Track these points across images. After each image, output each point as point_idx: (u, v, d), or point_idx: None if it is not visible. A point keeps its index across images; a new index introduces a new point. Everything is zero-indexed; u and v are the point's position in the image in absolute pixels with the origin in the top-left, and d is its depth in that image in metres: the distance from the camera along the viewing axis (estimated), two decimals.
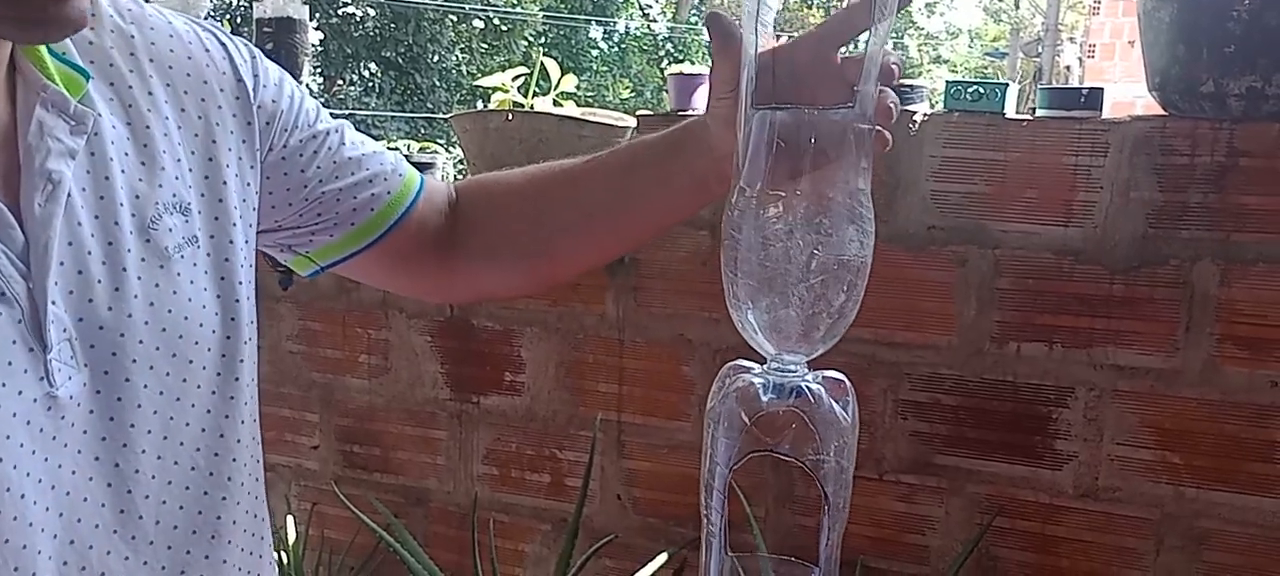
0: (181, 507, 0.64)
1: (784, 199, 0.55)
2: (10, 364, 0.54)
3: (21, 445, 0.55)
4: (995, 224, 1.49)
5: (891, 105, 0.61)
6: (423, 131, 13.09)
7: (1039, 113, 1.51)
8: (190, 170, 0.66)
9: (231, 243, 0.68)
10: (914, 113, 1.52)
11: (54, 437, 0.57)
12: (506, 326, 1.83)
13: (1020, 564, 1.55)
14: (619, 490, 1.79)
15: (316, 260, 0.82)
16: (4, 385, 0.54)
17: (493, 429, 1.87)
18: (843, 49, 0.67)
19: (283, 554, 1.97)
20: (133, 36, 0.66)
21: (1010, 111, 1.52)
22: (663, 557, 1.65)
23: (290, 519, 2.02)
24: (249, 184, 0.71)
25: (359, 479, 1.99)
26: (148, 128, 0.64)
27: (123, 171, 0.62)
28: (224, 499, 0.67)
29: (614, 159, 0.82)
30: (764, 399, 0.55)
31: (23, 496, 0.55)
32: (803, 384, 0.55)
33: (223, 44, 0.72)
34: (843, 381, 0.56)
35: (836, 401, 0.56)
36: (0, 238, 0.55)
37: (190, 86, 0.68)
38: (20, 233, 0.56)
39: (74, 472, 0.58)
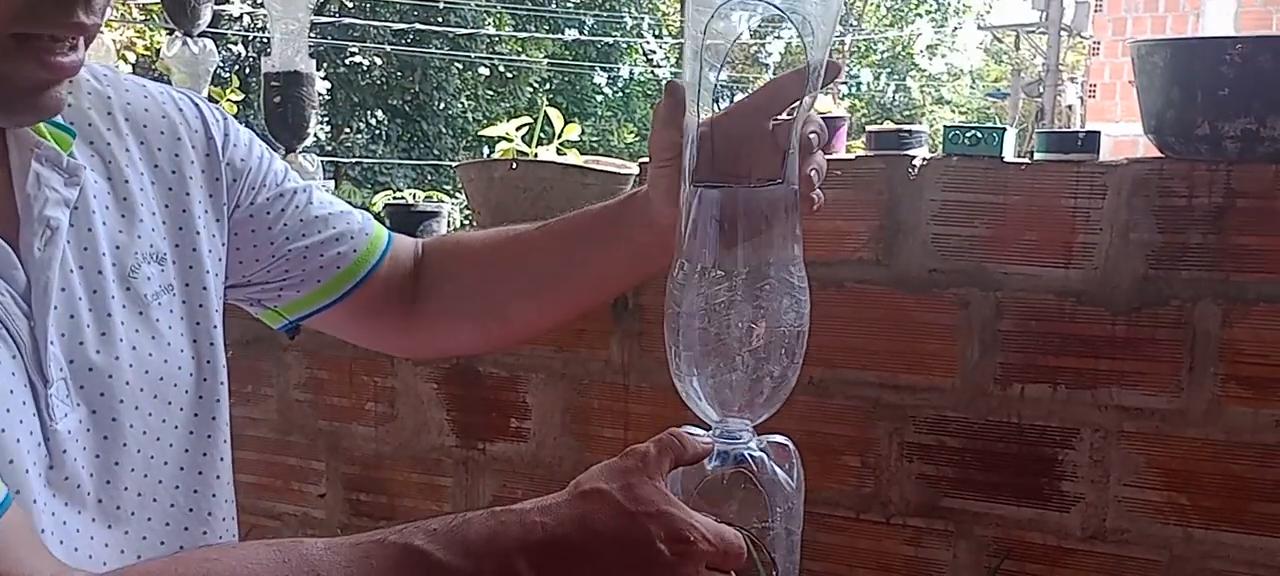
0: (163, 543, 0.67)
1: (722, 272, 0.57)
2: (13, 396, 0.57)
3: (26, 472, 0.57)
4: (996, 266, 1.51)
5: (814, 173, 0.64)
6: (429, 178, 13.20)
7: (1037, 156, 1.53)
8: (164, 222, 0.70)
9: (205, 289, 0.72)
10: (913, 157, 1.54)
11: (51, 468, 0.59)
12: (512, 372, 1.84)
13: None
14: None
15: (285, 314, 0.85)
16: (16, 419, 0.56)
17: (499, 475, 1.87)
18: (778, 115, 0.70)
19: None
20: (109, 97, 0.70)
21: (1009, 155, 1.53)
22: None
23: None
24: (216, 236, 0.74)
25: (366, 527, 1.99)
26: (126, 182, 0.68)
27: (103, 223, 0.66)
28: (205, 533, 0.70)
29: (563, 227, 0.85)
30: (709, 466, 0.57)
31: (43, 530, 0.57)
32: (746, 451, 0.57)
33: (196, 104, 0.76)
34: (787, 446, 0.58)
35: (781, 466, 0.58)
36: (4, 276, 0.58)
37: (163, 143, 0.71)
38: (23, 274, 0.59)
39: (76, 510, 0.61)
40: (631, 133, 16.71)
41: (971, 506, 1.56)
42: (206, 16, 2.01)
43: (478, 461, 1.88)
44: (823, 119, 0.73)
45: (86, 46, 0.56)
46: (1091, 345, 1.46)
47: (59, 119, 0.64)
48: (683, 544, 0.57)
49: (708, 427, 0.59)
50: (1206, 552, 1.44)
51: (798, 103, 0.64)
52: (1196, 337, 1.41)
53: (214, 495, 0.71)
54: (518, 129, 1.84)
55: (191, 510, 0.69)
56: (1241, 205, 1.38)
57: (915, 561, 1.59)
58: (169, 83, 1.36)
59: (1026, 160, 1.53)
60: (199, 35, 2.03)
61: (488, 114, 14.34)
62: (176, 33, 2.02)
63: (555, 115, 1.86)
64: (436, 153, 14.09)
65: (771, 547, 0.57)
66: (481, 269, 0.87)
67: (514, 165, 1.76)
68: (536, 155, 1.82)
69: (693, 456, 0.63)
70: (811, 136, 0.63)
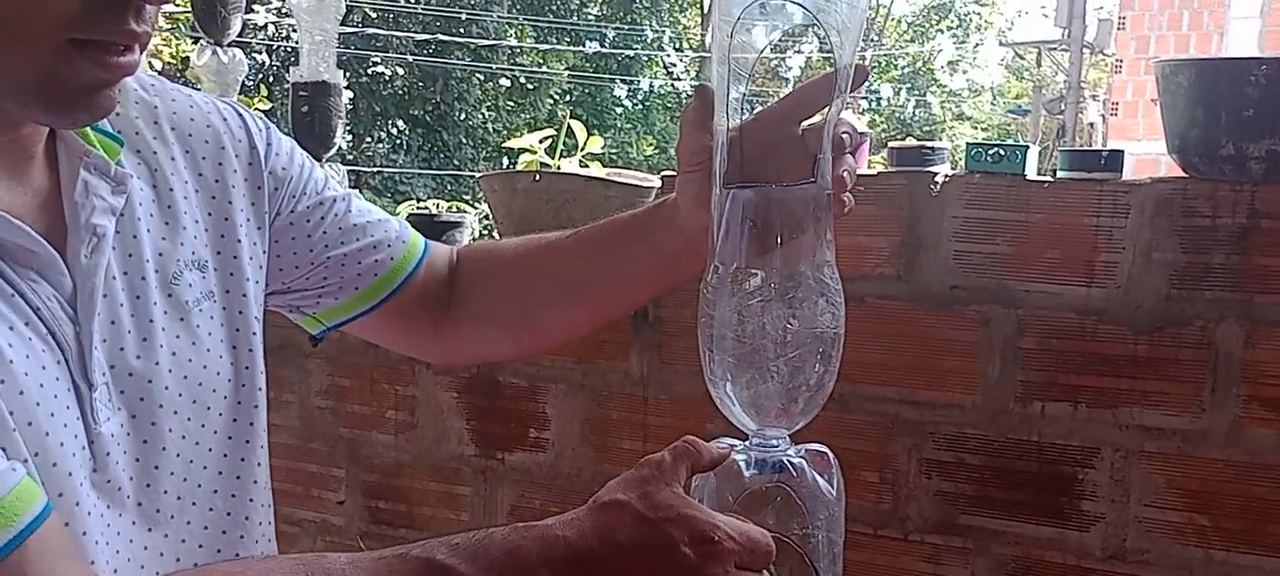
0: (201, 546, 0.68)
1: (756, 274, 0.57)
2: (57, 401, 0.58)
3: (70, 475, 0.58)
4: (1018, 284, 1.50)
5: (846, 174, 0.64)
6: (449, 188, 13.26)
7: (1060, 175, 1.53)
8: (206, 230, 0.71)
9: (245, 296, 0.73)
10: (936, 174, 1.54)
11: (95, 471, 0.61)
12: (532, 383, 1.85)
13: None
14: None
15: (323, 321, 0.86)
16: (61, 422, 0.58)
17: (517, 486, 1.88)
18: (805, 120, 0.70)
19: None
20: (155, 105, 0.71)
21: (1031, 173, 1.53)
22: None
23: None
24: (257, 244, 0.76)
25: (384, 534, 2.00)
26: (170, 190, 0.69)
27: (148, 231, 0.67)
28: (242, 537, 0.71)
29: (593, 234, 0.85)
30: (747, 475, 0.57)
31: (85, 533, 0.58)
32: (785, 458, 0.57)
33: (239, 114, 0.77)
34: (826, 454, 0.58)
35: (821, 475, 0.57)
36: (52, 282, 0.60)
37: (207, 152, 0.73)
38: (70, 280, 0.60)
39: (118, 512, 0.62)
40: (651, 145, 16.73)
41: (990, 524, 1.55)
42: (237, 26, 2.03)
43: (497, 471, 1.89)
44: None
45: (142, 52, 0.58)
46: (1113, 364, 1.46)
47: (108, 126, 0.65)
48: (707, 545, 0.57)
49: (744, 437, 0.59)
50: (1227, 574, 1.43)
51: (826, 107, 0.64)
52: (1219, 358, 1.41)
53: (252, 499, 0.72)
54: (541, 141, 1.86)
55: (230, 514, 0.70)
56: (1265, 226, 1.37)
57: None
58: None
59: (1049, 178, 1.53)
60: (228, 45, 2.05)
61: (508, 125, 14.40)
62: (206, 42, 2.04)
63: (578, 128, 1.88)
64: (456, 163, 14.16)
65: (814, 557, 0.57)
66: (513, 276, 0.88)
67: (537, 177, 1.77)
68: (559, 167, 1.83)
69: (709, 462, 0.63)
70: (844, 137, 0.63)
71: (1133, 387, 1.45)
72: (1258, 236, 1.37)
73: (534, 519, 2.02)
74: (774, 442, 0.57)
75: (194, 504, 0.68)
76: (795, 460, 0.57)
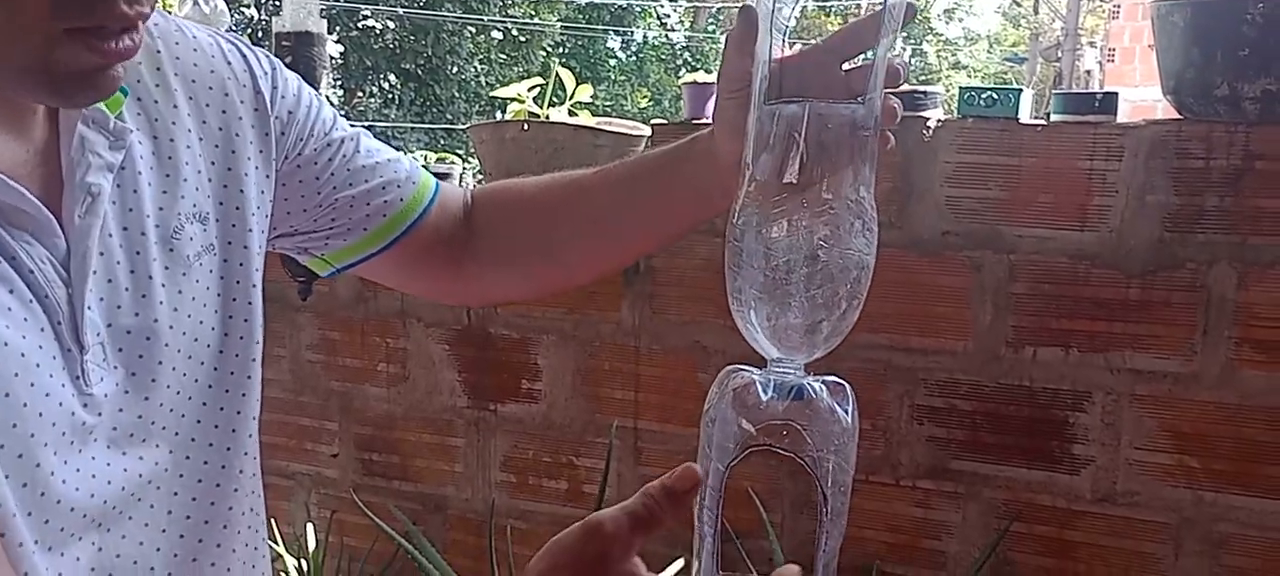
0: (194, 498, 0.68)
1: (791, 194, 0.55)
2: (51, 364, 0.57)
3: (63, 434, 0.58)
4: (1010, 228, 1.49)
5: (896, 107, 0.62)
6: (442, 142, 13.17)
7: (1054, 118, 1.52)
8: (209, 180, 0.69)
9: (246, 248, 0.71)
10: (928, 119, 1.53)
11: (89, 434, 0.60)
12: (523, 334, 1.84)
13: (1038, 569, 1.54)
14: None
15: (332, 262, 0.84)
16: (43, 392, 0.57)
17: (510, 436, 1.88)
18: (849, 62, 0.68)
19: (303, 561, 1.98)
20: (158, 51, 0.69)
21: (1025, 116, 1.52)
22: (679, 563, 1.65)
23: (310, 526, 2.04)
24: (264, 192, 0.74)
25: (378, 487, 2.01)
26: (172, 141, 0.67)
27: (149, 184, 0.65)
28: (236, 490, 0.70)
29: (621, 169, 0.83)
30: (763, 398, 0.55)
31: (63, 482, 0.58)
32: (804, 383, 0.55)
33: (243, 55, 0.74)
34: (843, 385, 0.56)
35: (837, 403, 0.56)
36: (46, 244, 0.58)
37: (211, 98, 0.71)
38: (64, 241, 0.59)
39: (108, 465, 0.61)
40: (645, 97, 16.61)
41: (981, 469, 1.56)
42: None
43: (489, 422, 1.89)
44: None
45: (140, 31, 0.56)
46: (1105, 308, 1.46)
47: None
48: None
49: (763, 364, 0.57)
50: (1216, 515, 1.44)
51: (878, 41, 0.61)
52: (1211, 301, 1.40)
53: (246, 452, 0.71)
54: (529, 90, 1.83)
55: (224, 467, 0.69)
56: (1260, 167, 1.36)
57: (924, 523, 1.60)
58: None
59: (1043, 122, 1.51)
60: None
61: (501, 78, 14.26)
62: None
63: (567, 76, 1.85)
64: (449, 117, 14.04)
65: (824, 481, 0.55)
66: (535, 214, 0.85)
67: (525, 126, 1.75)
68: (548, 116, 1.81)
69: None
70: (899, 68, 0.61)
71: (1125, 331, 1.45)
72: (1252, 177, 1.36)
73: (527, 469, 2.03)
74: (791, 372, 0.56)
75: (187, 458, 0.67)
76: (814, 385, 0.55)
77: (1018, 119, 1.50)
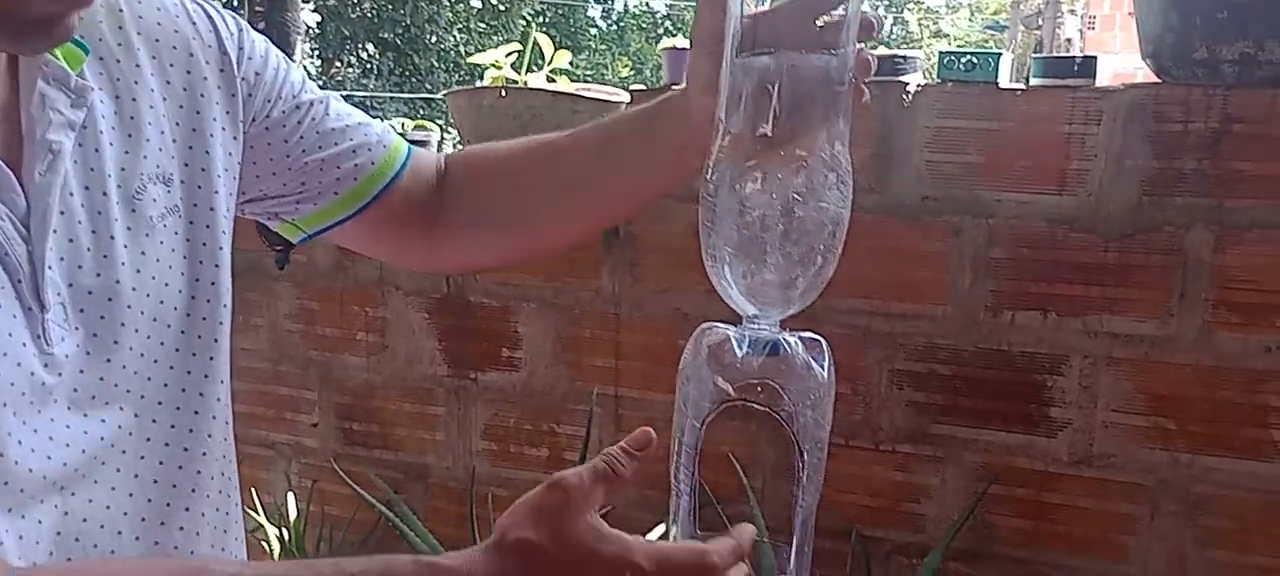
0: (161, 463, 0.67)
1: (766, 148, 0.55)
2: (11, 322, 0.56)
3: (23, 394, 0.57)
4: (989, 193, 1.50)
5: (870, 59, 0.62)
6: (422, 113, 13.07)
7: (1033, 82, 1.51)
8: (174, 141, 0.68)
9: (212, 210, 0.70)
10: (908, 84, 1.52)
11: (50, 395, 0.59)
12: (503, 302, 1.83)
13: (1016, 531, 1.56)
14: None
15: (303, 227, 0.83)
16: (4, 351, 0.56)
17: (491, 404, 1.88)
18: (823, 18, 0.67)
19: (283, 530, 1.98)
20: (121, 10, 0.67)
21: (1004, 81, 1.51)
22: (660, 529, 1.66)
23: (291, 496, 2.04)
24: (231, 154, 0.73)
25: (358, 455, 2.00)
26: (134, 100, 0.66)
27: (111, 144, 0.64)
28: (205, 454, 0.70)
29: (594, 132, 0.82)
30: (739, 355, 0.55)
31: (20, 443, 0.57)
32: (779, 338, 0.55)
33: (208, 15, 0.73)
34: (819, 341, 0.56)
35: (813, 359, 0.55)
36: (5, 201, 0.57)
37: (176, 58, 0.69)
38: (23, 199, 0.58)
39: (68, 427, 0.60)
40: (626, 66, 16.52)
41: (960, 433, 1.56)
42: None
43: (469, 390, 1.89)
44: None
45: None
46: (1083, 272, 1.46)
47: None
48: None
49: (738, 321, 0.57)
50: (1193, 476, 1.45)
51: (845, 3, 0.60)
52: (1188, 264, 1.41)
53: (214, 416, 0.70)
54: (507, 56, 1.81)
55: (192, 431, 0.68)
56: (1238, 130, 1.36)
57: (904, 486, 1.61)
58: None
59: (1022, 86, 1.51)
60: None
61: (481, 47, 14.13)
62: None
63: (545, 42, 1.83)
64: (429, 87, 13.92)
65: (801, 436, 0.55)
66: (508, 178, 0.84)
67: (503, 92, 1.73)
68: (526, 83, 1.79)
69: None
70: (873, 21, 0.61)
71: (1102, 295, 1.46)
72: (1229, 140, 1.37)
73: (508, 437, 2.02)
74: (767, 329, 0.55)
75: (154, 421, 0.66)
76: (789, 341, 0.55)
77: (997, 84, 1.50)
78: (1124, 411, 1.47)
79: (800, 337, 0.56)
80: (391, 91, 13.77)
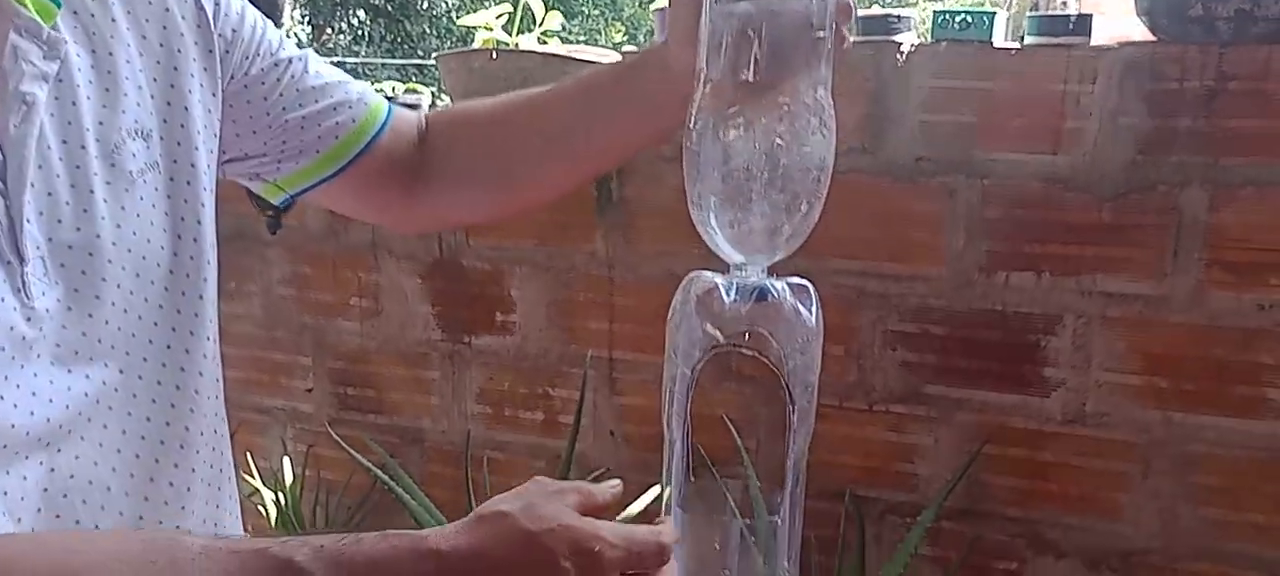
0: (149, 419, 0.67)
1: (747, 95, 0.54)
2: None
3: (3, 349, 0.57)
4: (983, 153, 1.49)
5: (850, 3, 0.62)
6: (414, 79, 12.98)
7: (1028, 41, 1.50)
8: (151, 97, 0.68)
9: (193, 167, 0.70)
10: (902, 43, 1.51)
11: (31, 349, 0.59)
12: (496, 266, 1.83)
13: (1009, 490, 1.56)
14: (611, 426, 1.80)
15: (285, 188, 0.83)
16: None
17: (485, 368, 1.88)
18: None
19: (279, 495, 1.99)
20: None
21: (999, 40, 1.50)
22: (655, 491, 1.67)
23: (286, 460, 2.04)
24: (211, 111, 0.72)
25: (353, 420, 2.01)
26: (110, 55, 0.66)
27: (88, 98, 0.64)
28: (193, 411, 0.70)
29: (576, 85, 0.82)
30: (727, 300, 0.55)
31: (2, 398, 0.57)
32: (766, 284, 0.55)
33: None
34: (806, 286, 0.56)
35: (800, 303, 0.55)
36: None
37: (151, 14, 0.69)
38: (0, 152, 0.57)
39: (52, 382, 0.60)
40: (620, 31, 16.40)
41: (953, 393, 1.57)
42: None
43: (464, 355, 1.89)
44: None
45: None
46: (1077, 232, 1.46)
47: None
48: (586, 556, 0.56)
49: (726, 270, 0.57)
50: (1185, 435, 1.46)
51: None
52: (1183, 223, 1.41)
53: (202, 373, 0.70)
54: (497, 17, 1.79)
55: (179, 387, 0.68)
56: (1233, 88, 1.36)
57: (897, 447, 1.61)
58: None
59: (1017, 45, 1.50)
60: None
61: (472, 11, 14.01)
62: None
63: (536, 3, 1.81)
64: (421, 53, 13.81)
65: (789, 381, 0.55)
66: (490, 133, 0.84)
67: (493, 55, 1.72)
68: (517, 45, 1.78)
69: (601, 504, 0.62)
70: None
71: (1097, 254, 1.46)
72: (1225, 98, 1.36)
73: (503, 401, 2.02)
74: (754, 277, 0.55)
75: (140, 377, 0.66)
76: (776, 286, 0.55)
77: (992, 42, 1.49)
78: (1117, 371, 1.48)
79: (788, 283, 0.55)
80: (383, 58, 13.68)
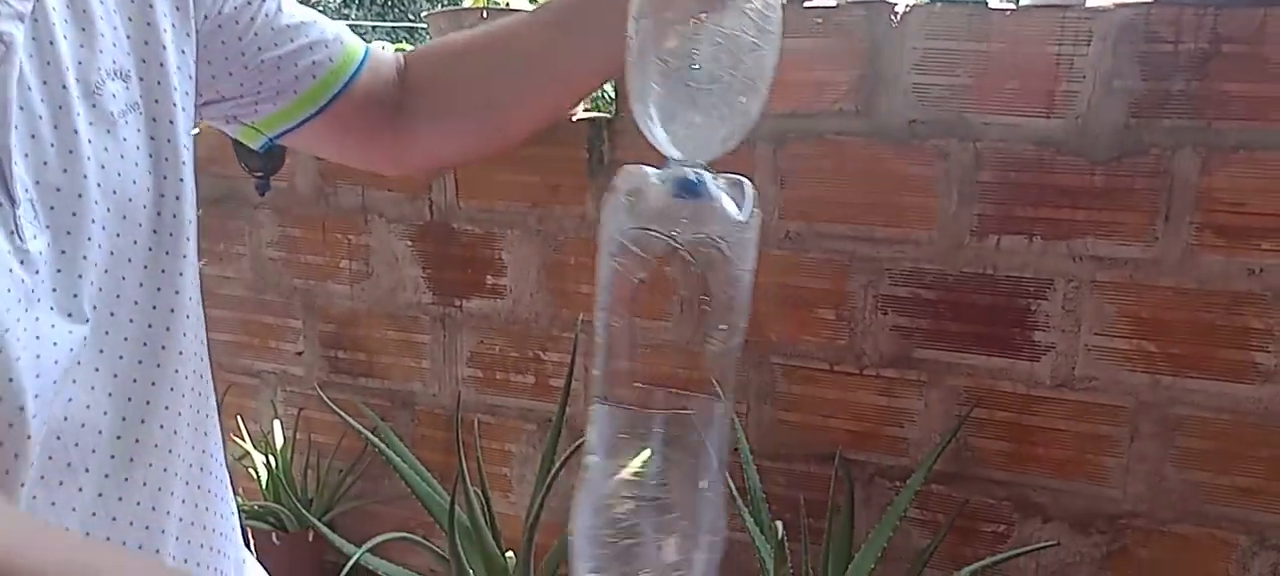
0: (140, 362, 0.66)
1: None
2: None
3: (10, 291, 0.56)
4: (977, 116, 1.48)
5: None
6: (405, 41, 12.87)
7: (1023, 2, 1.49)
8: (127, 37, 0.67)
9: (174, 106, 0.69)
10: (896, 4, 1.50)
11: (31, 291, 0.58)
12: (487, 229, 1.82)
13: (998, 453, 1.57)
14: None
15: (263, 130, 0.82)
16: None
17: (476, 332, 1.88)
18: None
19: (271, 458, 1.99)
20: None
21: (994, 1, 1.49)
22: (645, 453, 1.67)
23: (277, 423, 2.04)
24: (185, 52, 0.71)
25: (344, 383, 2.00)
26: None
27: (65, 38, 0.63)
28: (180, 353, 0.69)
29: (551, 8, 0.81)
30: (657, 189, 0.54)
31: (18, 340, 0.56)
32: (697, 176, 0.54)
33: None
34: (741, 182, 0.55)
35: (731, 195, 0.55)
36: None
37: None
38: None
39: (54, 327, 0.60)
40: None
41: (944, 357, 1.57)
42: None
43: (455, 318, 1.88)
44: None
45: None
46: (1069, 195, 1.46)
47: None
48: None
49: (664, 164, 0.56)
50: (1173, 398, 1.46)
51: None
52: (1174, 186, 1.40)
53: (188, 315, 0.70)
54: None
55: (169, 328, 0.68)
56: (1227, 50, 1.35)
57: (887, 410, 1.62)
58: None
59: (1012, 6, 1.49)
60: None
61: None
62: None
63: None
64: (411, 16, 13.71)
65: (705, 264, 0.55)
66: (468, 64, 0.83)
67: (484, 13, 1.70)
68: (507, 3, 1.76)
69: None
70: None
71: (1088, 218, 1.45)
72: (1218, 61, 1.35)
73: (494, 364, 2.01)
74: (690, 173, 0.54)
75: (131, 320, 0.66)
76: (708, 178, 0.54)
77: (986, 3, 1.47)
78: (1107, 334, 1.48)
79: (723, 177, 0.55)
80: (373, 20, 13.55)
